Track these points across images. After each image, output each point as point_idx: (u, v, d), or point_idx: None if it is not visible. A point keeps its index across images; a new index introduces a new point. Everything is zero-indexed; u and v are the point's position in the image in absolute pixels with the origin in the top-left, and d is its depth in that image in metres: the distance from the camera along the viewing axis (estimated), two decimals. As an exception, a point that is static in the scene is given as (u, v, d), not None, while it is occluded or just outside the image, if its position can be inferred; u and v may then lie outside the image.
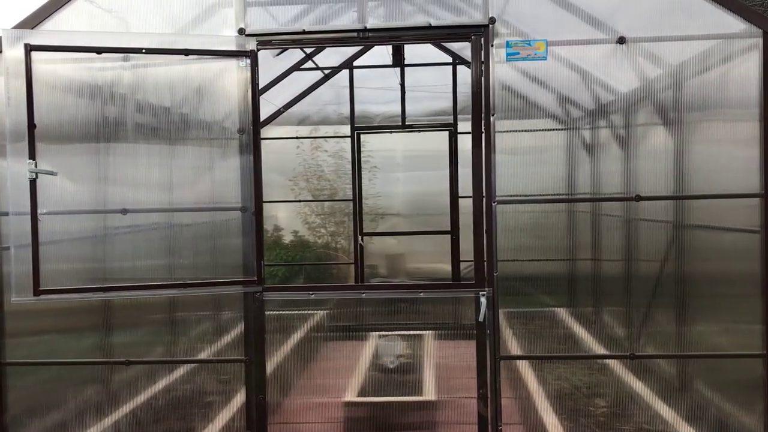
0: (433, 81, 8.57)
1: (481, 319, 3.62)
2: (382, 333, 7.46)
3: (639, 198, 3.71)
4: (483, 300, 3.60)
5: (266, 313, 3.83)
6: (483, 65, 3.71)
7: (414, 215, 9.30)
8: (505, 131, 3.76)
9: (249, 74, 3.74)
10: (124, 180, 3.74)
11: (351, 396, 4.64)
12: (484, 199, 3.68)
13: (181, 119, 3.79)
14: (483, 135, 3.71)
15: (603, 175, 3.95)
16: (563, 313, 3.93)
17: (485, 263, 3.65)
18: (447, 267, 8.64)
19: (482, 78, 3.71)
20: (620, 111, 3.84)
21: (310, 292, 3.84)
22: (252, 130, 3.74)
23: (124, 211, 3.68)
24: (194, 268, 3.77)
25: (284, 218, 9.47)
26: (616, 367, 3.88)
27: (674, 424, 3.76)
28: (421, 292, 3.76)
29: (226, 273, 3.81)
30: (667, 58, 3.73)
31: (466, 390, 4.10)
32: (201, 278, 3.74)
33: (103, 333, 4.01)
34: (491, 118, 3.70)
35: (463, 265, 8.74)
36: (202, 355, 3.98)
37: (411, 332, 7.32)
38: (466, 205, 8.67)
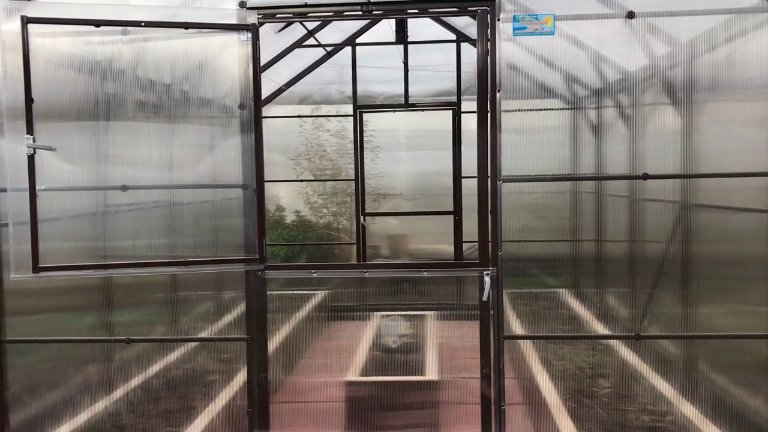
0: (436, 61, 8.48)
1: (485, 298, 3.57)
2: (385, 313, 7.44)
3: (646, 176, 3.65)
4: (487, 279, 3.56)
5: (268, 292, 3.79)
6: (489, 42, 3.64)
7: (417, 196, 9.25)
8: (511, 110, 3.70)
9: (250, 49, 3.66)
10: (123, 158, 3.69)
11: (353, 375, 4.63)
12: (489, 178, 3.62)
13: (182, 96, 3.73)
14: (489, 114, 3.64)
15: (609, 155, 3.90)
16: (568, 294, 3.89)
17: (489, 243, 3.60)
18: (449, 248, 8.60)
19: (488, 56, 3.64)
20: (627, 90, 3.78)
21: (313, 271, 3.80)
22: (253, 106, 3.68)
23: (124, 188, 3.63)
24: (195, 247, 3.72)
25: (286, 198, 9.43)
26: (620, 347, 3.85)
27: (679, 405, 3.73)
28: (424, 271, 3.72)
29: (227, 251, 3.77)
30: (676, 34, 3.66)
31: (469, 370, 4.07)
32: (202, 257, 3.70)
33: (104, 312, 3.98)
34: (497, 95, 3.64)
35: (465, 246, 8.71)
36: (204, 335, 3.95)
37: (414, 312, 7.31)
38: (469, 186, 8.63)
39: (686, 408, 3.73)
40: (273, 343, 3.98)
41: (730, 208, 3.67)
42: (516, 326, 3.78)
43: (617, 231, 3.96)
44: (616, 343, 3.80)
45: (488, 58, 3.63)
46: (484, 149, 3.65)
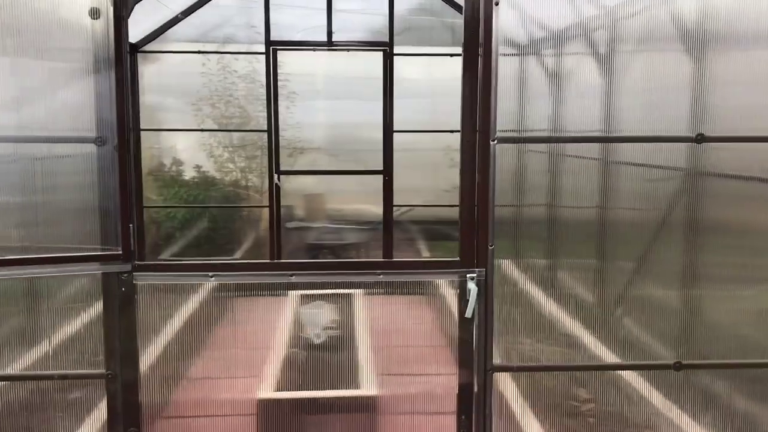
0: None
1: (468, 314, 2.42)
2: (305, 292, 6.22)
3: (702, 139, 2.55)
4: (472, 287, 2.41)
5: (139, 297, 2.49)
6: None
7: (338, 151, 8.14)
8: (509, 54, 2.49)
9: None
10: None
11: (261, 391, 3.44)
12: (478, 133, 2.43)
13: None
14: (481, 57, 2.43)
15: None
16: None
17: (476, 234, 2.44)
18: (374, 209, 7.59)
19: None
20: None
21: (210, 273, 2.52)
22: (113, 19, 2.32)
23: None
24: (23, 237, 2.37)
25: (185, 150, 8.06)
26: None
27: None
28: (380, 274, 2.53)
29: (74, 242, 2.42)
30: None
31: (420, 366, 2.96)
32: (30, 250, 2.34)
33: None
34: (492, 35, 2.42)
35: (397, 212, 7.64)
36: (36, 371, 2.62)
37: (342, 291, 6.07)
38: (401, 142, 7.58)
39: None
40: (148, 363, 2.70)
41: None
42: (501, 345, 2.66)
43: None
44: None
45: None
46: (471, 99, 2.45)
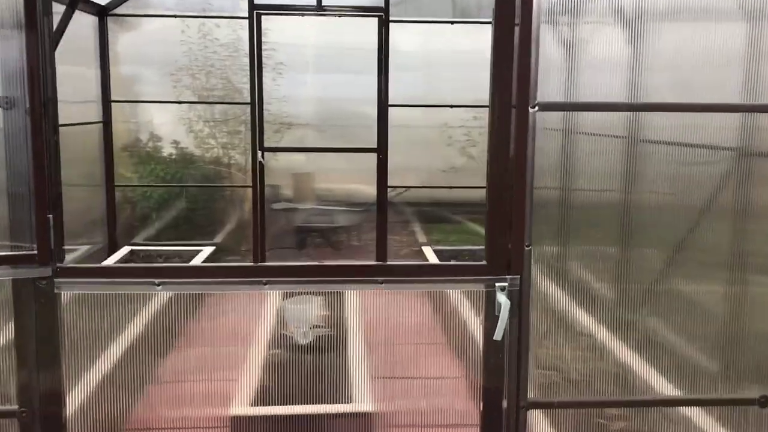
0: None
1: (498, 336, 1.83)
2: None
3: None
4: (503, 300, 1.83)
5: (63, 310, 1.88)
6: None
7: (328, 126, 7.60)
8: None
9: None
10: None
11: (234, 406, 2.88)
12: (514, 108, 1.83)
13: None
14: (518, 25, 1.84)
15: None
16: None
17: (510, 232, 1.85)
18: (366, 188, 7.09)
19: None
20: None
21: (156, 281, 1.90)
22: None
23: None
24: None
25: (162, 125, 7.48)
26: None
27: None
28: (381, 282, 1.93)
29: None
30: None
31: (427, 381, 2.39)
32: None
33: None
34: None
35: (391, 193, 7.10)
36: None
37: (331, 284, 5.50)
38: (395, 118, 7.03)
39: None
40: (80, 387, 2.10)
41: None
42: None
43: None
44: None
45: None
46: (505, 58, 1.84)
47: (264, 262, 7.00)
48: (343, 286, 1.86)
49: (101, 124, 6.79)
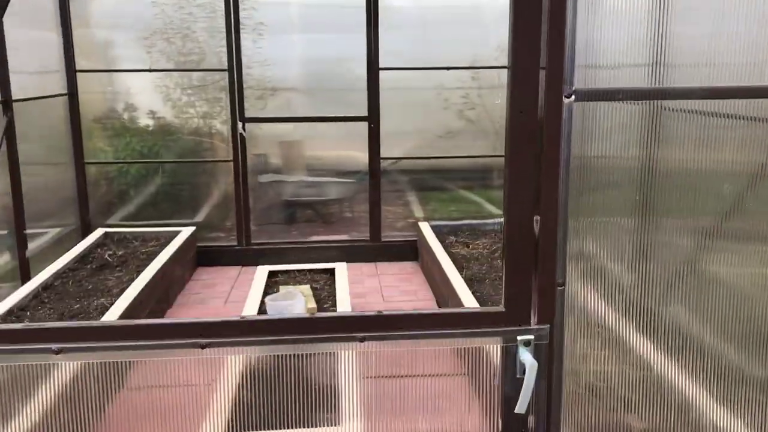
0: None
1: (521, 409, 1.38)
2: (273, 268, 5.17)
3: None
4: (527, 359, 1.38)
5: None
6: None
7: (315, 90, 7.15)
8: None
9: None
10: None
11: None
12: (543, 76, 1.33)
13: None
14: None
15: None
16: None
17: (534, 264, 1.38)
18: (359, 155, 6.73)
19: None
20: None
21: (54, 347, 1.37)
22: None
23: None
24: None
25: (138, 94, 6.97)
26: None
27: None
28: (363, 338, 1.45)
29: None
30: None
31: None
32: None
33: None
34: None
35: (383, 163, 6.66)
36: None
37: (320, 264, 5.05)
38: (388, 80, 6.56)
39: None
40: None
41: None
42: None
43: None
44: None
45: None
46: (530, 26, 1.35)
47: (250, 240, 6.55)
48: (312, 346, 1.41)
49: (66, 97, 6.25)
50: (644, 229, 1.51)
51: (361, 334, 1.40)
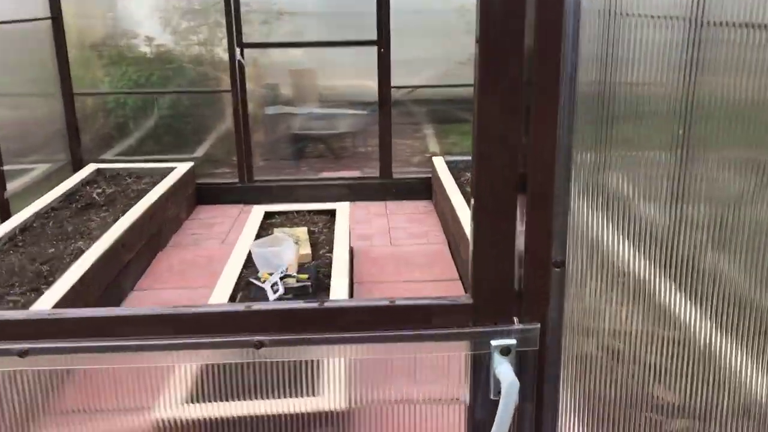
0: None
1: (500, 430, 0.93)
2: (266, 209, 4.73)
3: None
4: (504, 371, 0.92)
5: None
6: None
7: (327, 13, 6.59)
8: None
9: None
10: None
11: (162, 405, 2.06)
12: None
13: None
14: None
15: None
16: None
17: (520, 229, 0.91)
18: (375, 85, 6.18)
19: None
20: None
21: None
22: None
23: None
24: None
25: (133, 18, 6.48)
26: None
27: None
28: (258, 346, 1.01)
29: None
30: None
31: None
32: None
33: None
34: None
35: (396, 93, 6.15)
36: None
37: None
38: (404, 1, 6.02)
39: None
40: None
41: None
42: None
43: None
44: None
45: None
46: None
47: (252, 177, 6.12)
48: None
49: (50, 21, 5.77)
50: (683, 164, 1.03)
51: (257, 338, 0.95)
